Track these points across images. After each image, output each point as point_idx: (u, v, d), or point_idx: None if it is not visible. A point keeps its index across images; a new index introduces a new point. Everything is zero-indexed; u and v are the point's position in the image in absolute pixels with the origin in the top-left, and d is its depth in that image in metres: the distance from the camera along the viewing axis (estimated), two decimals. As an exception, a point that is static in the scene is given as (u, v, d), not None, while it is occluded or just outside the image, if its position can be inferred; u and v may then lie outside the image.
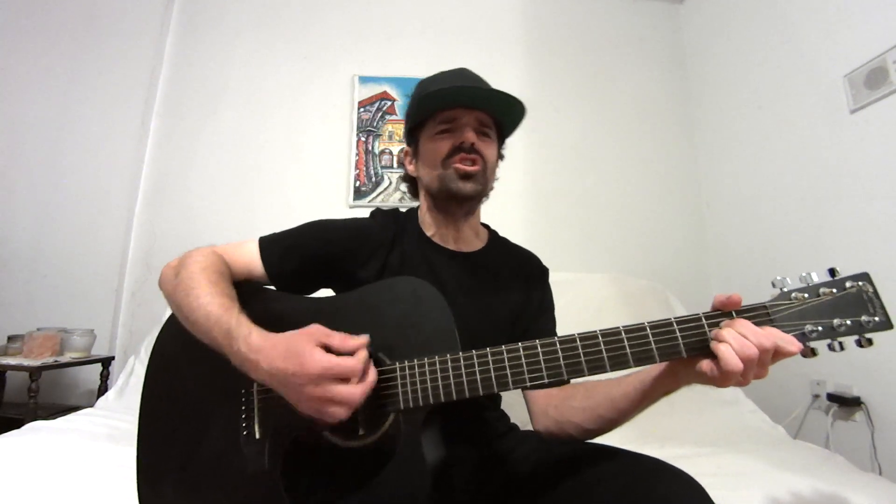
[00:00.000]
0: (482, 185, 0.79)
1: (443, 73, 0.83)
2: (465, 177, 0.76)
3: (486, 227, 0.92)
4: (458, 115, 0.77)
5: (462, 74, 0.82)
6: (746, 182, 1.89)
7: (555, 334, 0.82)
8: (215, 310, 0.60)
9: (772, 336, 0.48)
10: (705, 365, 0.50)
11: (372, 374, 0.54)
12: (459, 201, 0.79)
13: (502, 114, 0.81)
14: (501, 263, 0.85)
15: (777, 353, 0.48)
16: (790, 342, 0.48)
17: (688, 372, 0.53)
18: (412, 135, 0.85)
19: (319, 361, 0.50)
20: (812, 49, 1.57)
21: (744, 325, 0.49)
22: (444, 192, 0.78)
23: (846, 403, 1.39)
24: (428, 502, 0.53)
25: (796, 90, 1.63)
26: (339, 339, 0.54)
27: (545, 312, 0.85)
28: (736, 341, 0.47)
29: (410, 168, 0.87)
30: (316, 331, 0.54)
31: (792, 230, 1.65)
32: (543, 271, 0.90)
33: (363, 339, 0.55)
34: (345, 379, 0.51)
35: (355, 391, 0.51)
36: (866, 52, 1.37)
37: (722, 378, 0.49)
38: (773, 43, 1.75)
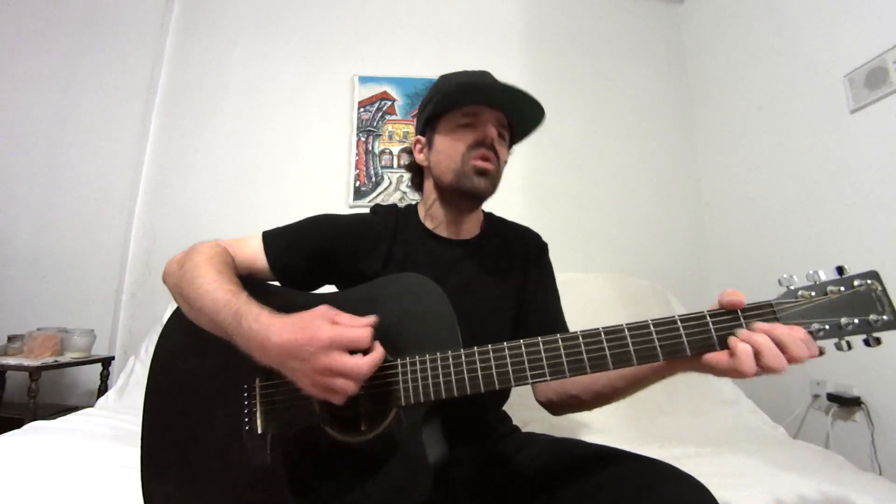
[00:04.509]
0: (494, 184, 0.79)
1: (467, 72, 0.83)
2: (482, 173, 0.76)
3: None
4: (481, 112, 0.78)
5: (487, 75, 0.82)
6: (746, 182, 1.89)
7: (555, 310, 0.83)
8: (223, 295, 0.60)
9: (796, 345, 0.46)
10: (713, 357, 0.49)
11: (378, 351, 0.54)
12: (471, 198, 0.79)
13: (522, 119, 0.81)
14: (500, 245, 0.86)
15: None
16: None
17: (684, 362, 0.52)
18: (428, 124, 0.83)
19: (330, 330, 0.51)
20: (812, 49, 1.57)
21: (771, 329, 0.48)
22: (458, 186, 0.78)
23: (846, 403, 1.38)
24: (428, 500, 0.53)
25: (796, 90, 1.63)
26: (347, 317, 0.55)
27: (544, 288, 0.86)
28: (766, 348, 0.46)
29: (420, 157, 0.85)
30: (326, 310, 0.55)
31: (792, 230, 1.65)
32: (542, 247, 0.90)
33: (371, 318, 0.55)
34: (353, 353, 0.52)
35: (362, 363, 0.51)
36: (866, 52, 1.37)
37: (728, 374, 0.49)
38: (773, 43, 1.75)
